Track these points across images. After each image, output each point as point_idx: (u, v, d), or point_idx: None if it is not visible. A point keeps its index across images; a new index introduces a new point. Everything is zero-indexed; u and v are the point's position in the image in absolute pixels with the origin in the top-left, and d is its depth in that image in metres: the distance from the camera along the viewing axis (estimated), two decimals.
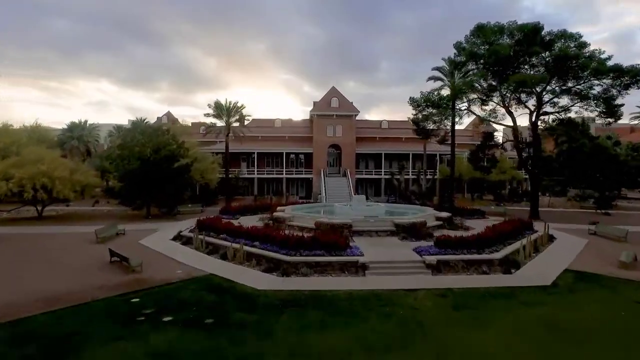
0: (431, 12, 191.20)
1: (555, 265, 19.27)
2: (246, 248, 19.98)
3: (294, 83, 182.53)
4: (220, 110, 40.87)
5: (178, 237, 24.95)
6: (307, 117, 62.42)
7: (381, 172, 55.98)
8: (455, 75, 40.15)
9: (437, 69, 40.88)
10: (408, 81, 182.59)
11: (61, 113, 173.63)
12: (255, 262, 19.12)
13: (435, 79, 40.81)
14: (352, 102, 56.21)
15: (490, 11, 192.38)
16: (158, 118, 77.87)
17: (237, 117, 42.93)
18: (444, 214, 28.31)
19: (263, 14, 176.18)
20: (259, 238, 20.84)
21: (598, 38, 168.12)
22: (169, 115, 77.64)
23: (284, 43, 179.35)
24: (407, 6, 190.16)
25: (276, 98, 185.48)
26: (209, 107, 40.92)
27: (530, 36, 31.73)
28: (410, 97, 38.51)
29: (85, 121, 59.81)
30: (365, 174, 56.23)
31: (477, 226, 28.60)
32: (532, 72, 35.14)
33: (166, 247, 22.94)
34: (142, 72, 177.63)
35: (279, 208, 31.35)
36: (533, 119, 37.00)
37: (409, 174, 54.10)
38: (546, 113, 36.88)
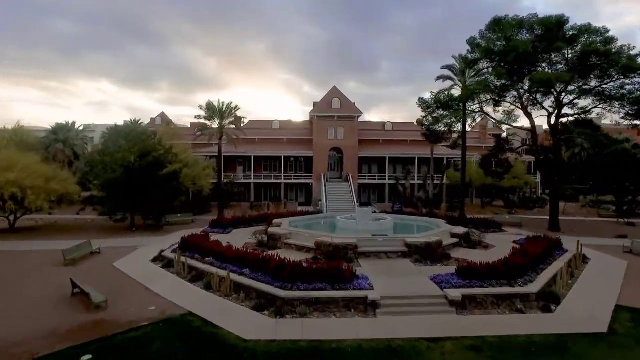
0: (431, 12, 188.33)
1: (602, 299, 16.15)
2: (234, 277, 16.87)
3: (294, 83, 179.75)
4: (212, 111, 37.73)
5: (159, 258, 21.85)
6: (307, 118, 59.33)
7: (385, 177, 52.85)
8: (467, 74, 37.12)
9: (447, 67, 37.77)
10: (408, 81, 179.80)
11: (61, 113, 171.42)
12: (244, 296, 16.00)
13: (445, 78, 37.71)
14: (354, 103, 53.10)
15: (490, 11, 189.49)
16: (152, 119, 75.02)
17: (232, 118, 39.75)
18: (460, 230, 25.20)
19: (263, 13, 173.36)
20: (249, 264, 17.74)
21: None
22: (163, 116, 74.66)
23: (284, 43, 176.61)
24: (407, 6, 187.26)
25: (276, 98, 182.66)
26: (201, 109, 37.71)
27: (554, 31, 28.62)
28: (419, 98, 35.46)
29: (73, 123, 56.66)
30: (369, 179, 53.09)
31: (497, 242, 25.54)
32: (552, 70, 32.14)
33: (143, 271, 19.84)
34: (142, 72, 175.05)
35: (275, 221, 28.27)
36: (552, 121, 33.97)
37: (414, 179, 50.99)
38: (565, 115, 33.78)
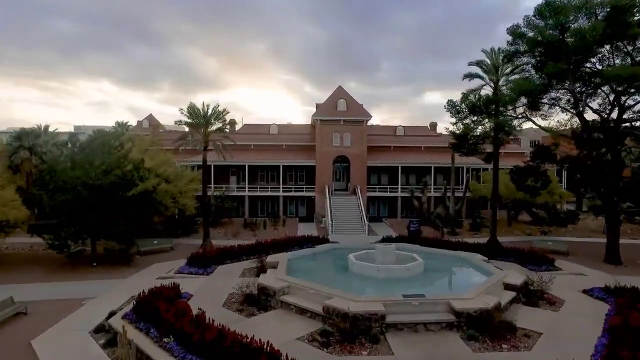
0: (431, 12, 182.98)
1: None
2: None
3: (295, 83, 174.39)
4: (195, 116, 31.39)
5: (102, 329, 15.55)
6: (309, 121, 53.10)
7: (397, 188, 46.58)
8: (500, 71, 30.90)
9: (477, 63, 31.53)
10: (408, 81, 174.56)
11: (62, 113, 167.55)
12: None
13: (473, 76, 31.50)
14: (362, 105, 46.84)
15: (491, 11, 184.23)
16: (139, 122, 68.77)
17: (220, 124, 33.48)
18: (516, 279, 18.85)
19: (263, 13, 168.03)
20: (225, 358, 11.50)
21: None
22: (150, 118, 68.54)
23: (284, 43, 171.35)
24: (407, 6, 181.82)
25: (277, 98, 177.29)
26: (182, 113, 31.37)
27: (627, 12, 22.33)
28: (448, 101, 29.23)
29: (46, 127, 50.22)
30: (379, 191, 46.81)
31: (561, 291, 19.23)
32: (604, 66, 25.98)
33: (72, 358, 13.55)
34: (142, 72, 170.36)
35: (269, 260, 22.02)
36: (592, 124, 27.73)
37: (430, 192, 44.65)
38: (630, 120, 27.48)
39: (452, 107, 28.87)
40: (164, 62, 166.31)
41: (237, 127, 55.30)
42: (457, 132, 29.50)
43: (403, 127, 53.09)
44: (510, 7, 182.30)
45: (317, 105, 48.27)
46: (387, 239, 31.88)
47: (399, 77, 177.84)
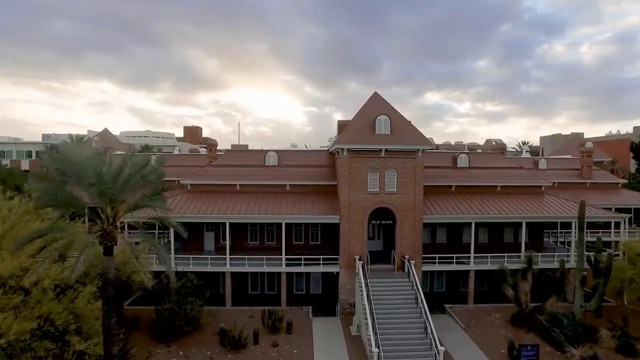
0: (432, 13, 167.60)
1: None
2: None
3: (295, 83, 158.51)
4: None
5: None
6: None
7: (469, 258, 29.14)
8: None
9: None
10: (409, 81, 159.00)
11: (63, 113, 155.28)
12: None
13: None
14: (410, 122, 29.48)
15: (491, 11, 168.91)
16: (89, 138, 51.14)
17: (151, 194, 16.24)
18: None
19: (265, 15, 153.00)
20: None
21: (600, 38, 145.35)
22: (104, 135, 50.80)
23: (285, 44, 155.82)
24: (408, 7, 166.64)
25: (277, 98, 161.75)
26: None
27: None
28: None
29: None
30: (440, 263, 29.24)
31: None
32: None
33: None
34: (143, 73, 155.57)
35: None
36: None
37: (523, 263, 27.07)
38: None
39: None
40: (165, 63, 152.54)
41: (223, 145, 37.86)
42: None
43: (466, 153, 35.48)
44: (511, 7, 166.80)
45: (340, 126, 30.86)
46: None
47: (400, 78, 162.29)
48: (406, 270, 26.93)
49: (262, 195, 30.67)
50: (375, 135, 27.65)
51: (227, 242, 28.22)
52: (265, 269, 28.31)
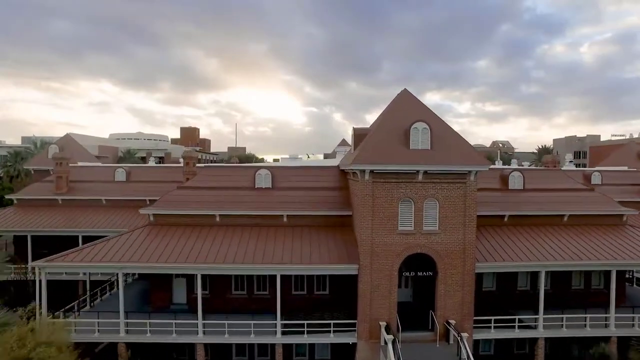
0: (432, 13, 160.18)
1: None
2: None
3: (295, 83, 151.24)
4: None
5: None
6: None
7: (537, 320, 20.98)
8: None
9: None
10: (409, 81, 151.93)
11: (63, 113, 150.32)
12: None
13: None
14: (462, 136, 21.27)
15: (491, 11, 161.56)
16: (50, 146, 42.65)
17: None
18: None
19: (264, 14, 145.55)
20: None
21: (600, 38, 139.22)
22: (66, 141, 42.35)
23: (285, 44, 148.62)
24: (408, 7, 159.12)
25: (277, 98, 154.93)
26: None
27: None
28: None
29: None
30: (497, 329, 21.02)
31: None
32: None
33: None
34: (143, 73, 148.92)
35: None
36: None
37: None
38: None
39: None
40: (165, 63, 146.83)
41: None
42: None
43: (520, 170, 27.11)
44: (511, 7, 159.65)
45: (357, 135, 22.52)
46: None
47: (400, 77, 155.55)
48: (451, 339, 18.89)
49: (250, 231, 22.51)
50: (410, 151, 19.45)
51: (199, 301, 20.02)
52: (254, 338, 20.16)
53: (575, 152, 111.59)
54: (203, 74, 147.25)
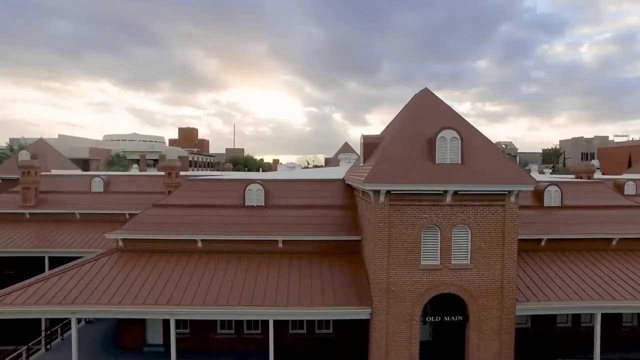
0: (432, 13, 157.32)
1: None
2: None
3: (295, 83, 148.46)
4: None
5: None
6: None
7: None
8: None
9: None
10: (409, 81, 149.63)
11: (63, 113, 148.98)
12: None
13: None
14: (496, 146, 17.36)
15: (491, 11, 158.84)
16: (19, 152, 38.58)
17: None
18: None
19: (264, 14, 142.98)
20: None
21: (600, 38, 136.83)
22: (38, 147, 38.34)
23: (285, 44, 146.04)
24: (408, 7, 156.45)
25: (277, 98, 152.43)
26: None
27: None
28: None
29: None
30: None
31: None
32: None
33: None
34: (143, 73, 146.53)
35: None
36: None
37: None
38: None
39: None
40: (165, 63, 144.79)
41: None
42: None
43: (556, 183, 23.25)
44: (511, 7, 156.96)
45: (366, 145, 18.57)
46: None
47: (400, 78, 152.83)
48: None
49: (237, 260, 18.61)
50: (436, 167, 15.53)
51: (172, 345, 16.12)
52: None
53: (582, 153, 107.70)
54: (203, 74, 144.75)
